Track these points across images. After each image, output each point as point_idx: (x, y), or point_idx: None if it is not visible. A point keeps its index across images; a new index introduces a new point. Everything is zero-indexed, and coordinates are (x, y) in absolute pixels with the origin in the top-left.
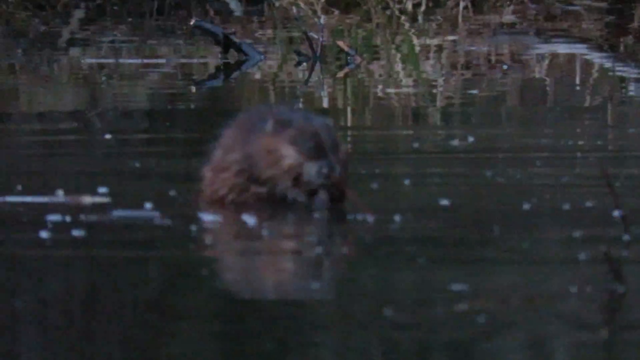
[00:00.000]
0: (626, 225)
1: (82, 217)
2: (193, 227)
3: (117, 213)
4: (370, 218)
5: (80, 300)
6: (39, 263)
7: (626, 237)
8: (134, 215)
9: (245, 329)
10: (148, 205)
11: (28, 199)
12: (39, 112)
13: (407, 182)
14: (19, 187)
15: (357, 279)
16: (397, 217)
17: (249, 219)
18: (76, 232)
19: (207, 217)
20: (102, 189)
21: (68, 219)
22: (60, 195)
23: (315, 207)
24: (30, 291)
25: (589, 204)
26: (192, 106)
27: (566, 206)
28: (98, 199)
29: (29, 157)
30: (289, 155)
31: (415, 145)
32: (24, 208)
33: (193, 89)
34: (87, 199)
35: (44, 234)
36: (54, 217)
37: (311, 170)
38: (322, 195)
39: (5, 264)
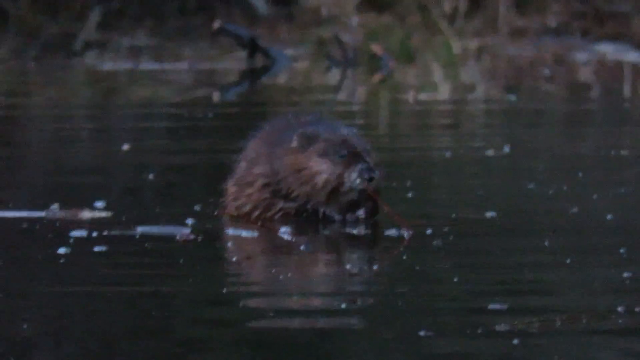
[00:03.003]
0: None
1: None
2: (225, 244)
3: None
4: (407, 234)
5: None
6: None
7: None
8: (160, 231)
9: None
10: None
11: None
12: (54, 119)
13: (443, 194)
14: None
15: (395, 298)
16: (429, 231)
17: (283, 235)
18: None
19: (237, 233)
20: (99, 204)
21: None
22: (56, 210)
23: (352, 222)
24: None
25: (635, 215)
26: (214, 114)
27: (611, 217)
28: (98, 214)
29: (43, 167)
30: (323, 170)
31: (448, 154)
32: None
33: (216, 95)
34: (87, 214)
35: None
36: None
37: (351, 176)
38: (361, 212)
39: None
